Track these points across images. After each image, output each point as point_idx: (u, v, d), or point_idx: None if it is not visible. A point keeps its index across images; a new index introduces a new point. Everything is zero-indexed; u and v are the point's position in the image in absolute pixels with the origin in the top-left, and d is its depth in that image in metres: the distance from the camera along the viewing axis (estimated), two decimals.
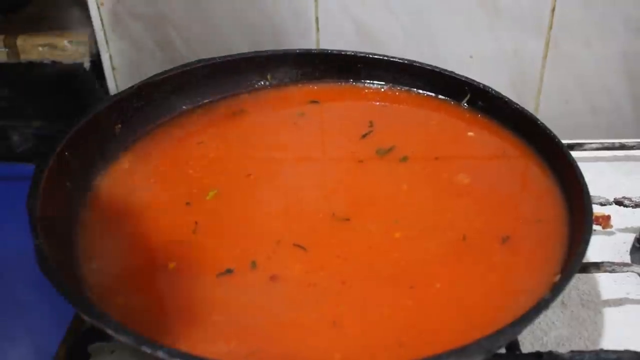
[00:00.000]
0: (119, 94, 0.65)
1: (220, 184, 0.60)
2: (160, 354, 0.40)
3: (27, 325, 0.67)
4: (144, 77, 0.67)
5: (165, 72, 0.68)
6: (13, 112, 0.93)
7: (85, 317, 0.43)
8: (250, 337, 0.47)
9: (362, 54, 0.73)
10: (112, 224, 0.56)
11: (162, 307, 0.49)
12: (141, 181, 0.61)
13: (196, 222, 0.56)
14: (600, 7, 0.82)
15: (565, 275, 0.47)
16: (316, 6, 0.81)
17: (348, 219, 0.57)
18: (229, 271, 0.51)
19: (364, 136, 0.67)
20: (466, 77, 0.70)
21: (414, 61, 0.72)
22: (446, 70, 0.71)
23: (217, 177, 0.61)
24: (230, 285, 0.51)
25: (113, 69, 0.88)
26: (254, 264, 0.52)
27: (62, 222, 0.53)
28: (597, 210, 0.65)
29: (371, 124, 0.68)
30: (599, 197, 0.63)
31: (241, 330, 0.47)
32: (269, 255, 0.53)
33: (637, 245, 0.64)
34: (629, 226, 0.67)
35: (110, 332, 0.42)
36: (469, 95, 0.70)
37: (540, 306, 0.44)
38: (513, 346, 0.51)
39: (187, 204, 0.58)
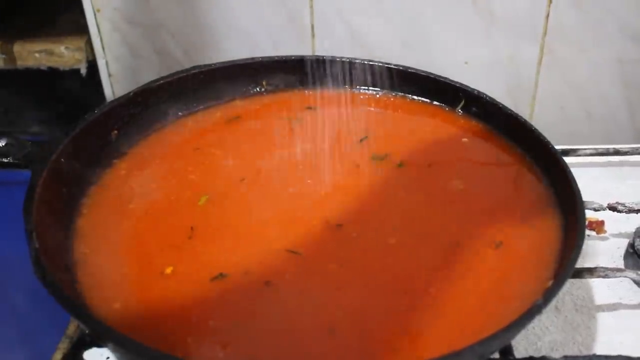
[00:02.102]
0: (115, 100, 0.65)
1: (217, 189, 0.61)
2: None
3: (22, 331, 0.67)
4: (140, 84, 0.67)
5: (162, 78, 0.68)
6: (10, 118, 0.94)
7: (82, 325, 0.43)
8: (247, 343, 0.47)
9: (357, 60, 0.73)
10: (108, 229, 0.56)
11: (158, 312, 0.49)
12: (137, 187, 0.61)
13: (192, 228, 0.56)
14: (594, 14, 0.82)
15: (558, 280, 0.47)
16: (312, 13, 0.82)
17: (342, 225, 0.57)
18: (222, 275, 0.51)
19: (359, 142, 0.67)
20: (460, 84, 0.70)
21: (409, 67, 0.72)
22: (440, 77, 0.71)
23: (213, 183, 0.62)
24: (225, 290, 0.51)
25: (109, 75, 0.88)
26: (247, 270, 0.52)
27: (58, 229, 0.53)
28: (591, 215, 0.66)
29: (366, 130, 0.69)
30: (593, 203, 0.63)
31: (237, 336, 0.47)
32: (263, 260, 0.53)
33: (631, 250, 0.65)
34: (623, 231, 0.67)
35: (106, 340, 0.42)
36: (463, 102, 0.70)
37: (533, 311, 0.45)
38: (507, 351, 0.51)
39: (183, 208, 0.58)
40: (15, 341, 0.67)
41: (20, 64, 0.87)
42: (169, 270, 0.52)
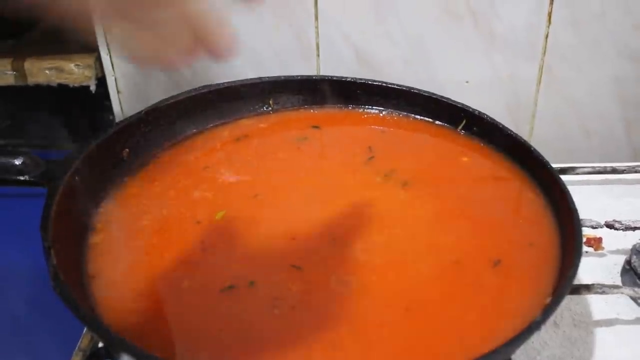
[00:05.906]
0: (126, 119, 0.67)
1: (227, 206, 0.62)
2: None
3: (34, 347, 0.68)
4: (148, 101, 0.69)
5: (172, 97, 0.70)
6: (20, 133, 0.95)
7: (99, 338, 0.44)
8: (257, 356, 0.48)
9: (361, 80, 0.75)
10: (122, 245, 0.57)
11: (173, 325, 0.51)
12: (149, 204, 0.62)
13: (203, 242, 0.58)
14: (592, 34, 0.84)
15: (556, 297, 0.49)
16: (317, 33, 0.83)
17: (347, 241, 0.58)
18: (231, 287, 0.53)
19: (363, 160, 0.69)
20: (462, 104, 0.72)
21: (412, 88, 0.74)
22: (443, 97, 0.73)
23: (223, 200, 0.63)
24: (234, 302, 0.52)
25: (118, 92, 0.90)
26: (252, 283, 0.54)
27: (73, 245, 0.55)
28: (588, 232, 0.67)
29: (371, 149, 0.70)
30: (590, 220, 0.65)
31: (246, 348, 0.49)
32: (269, 274, 0.55)
33: (627, 267, 0.66)
34: (620, 248, 0.69)
35: (122, 352, 0.43)
36: (464, 121, 0.72)
37: (532, 328, 0.46)
38: None
39: (195, 224, 0.60)
40: (26, 355, 0.68)
41: (31, 80, 0.88)
42: (185, 284, 0.54)
